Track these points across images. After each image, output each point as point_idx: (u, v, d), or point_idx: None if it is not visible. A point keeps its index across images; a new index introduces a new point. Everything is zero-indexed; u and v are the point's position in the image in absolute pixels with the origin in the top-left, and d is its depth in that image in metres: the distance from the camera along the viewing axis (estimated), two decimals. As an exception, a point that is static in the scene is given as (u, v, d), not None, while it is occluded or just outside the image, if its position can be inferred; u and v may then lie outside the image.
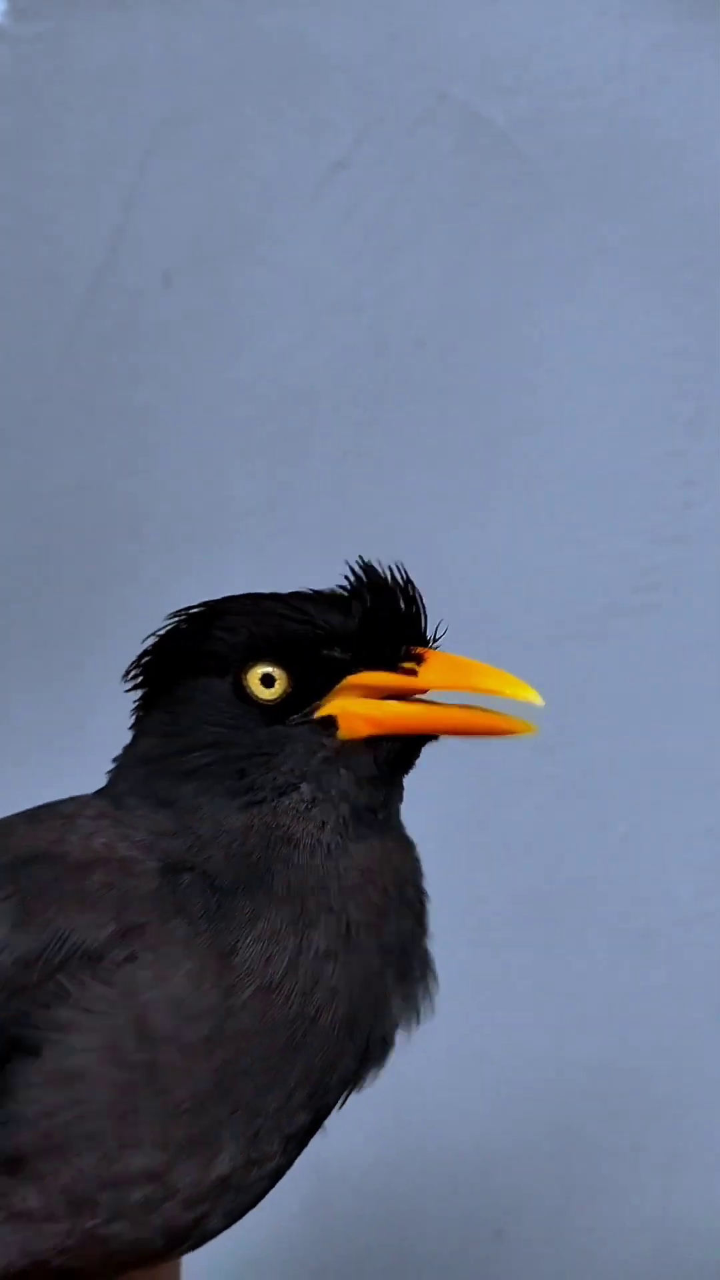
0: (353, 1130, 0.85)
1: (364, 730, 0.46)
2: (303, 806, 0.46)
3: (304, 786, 0.46)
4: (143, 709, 0.49)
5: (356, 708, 0.46)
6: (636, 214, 0.85)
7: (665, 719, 0.85)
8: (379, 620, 0.47)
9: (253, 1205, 0.47)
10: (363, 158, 0.85)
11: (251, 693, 0.47)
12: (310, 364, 0.86)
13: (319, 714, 0.47)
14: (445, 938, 0.88)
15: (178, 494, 0.86)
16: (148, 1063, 0.42)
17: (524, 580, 0.84)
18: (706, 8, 0.84)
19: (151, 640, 0.49)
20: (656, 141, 0.85)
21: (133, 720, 0.50)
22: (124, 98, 0.85)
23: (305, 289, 0.86)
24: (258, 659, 0.47)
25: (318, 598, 0.48)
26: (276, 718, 0.47)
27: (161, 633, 0.49)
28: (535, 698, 0.47)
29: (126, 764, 0.49)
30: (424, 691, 0.47)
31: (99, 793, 0.49)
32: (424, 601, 0.48)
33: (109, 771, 0.50)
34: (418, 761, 0.49)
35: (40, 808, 0.49)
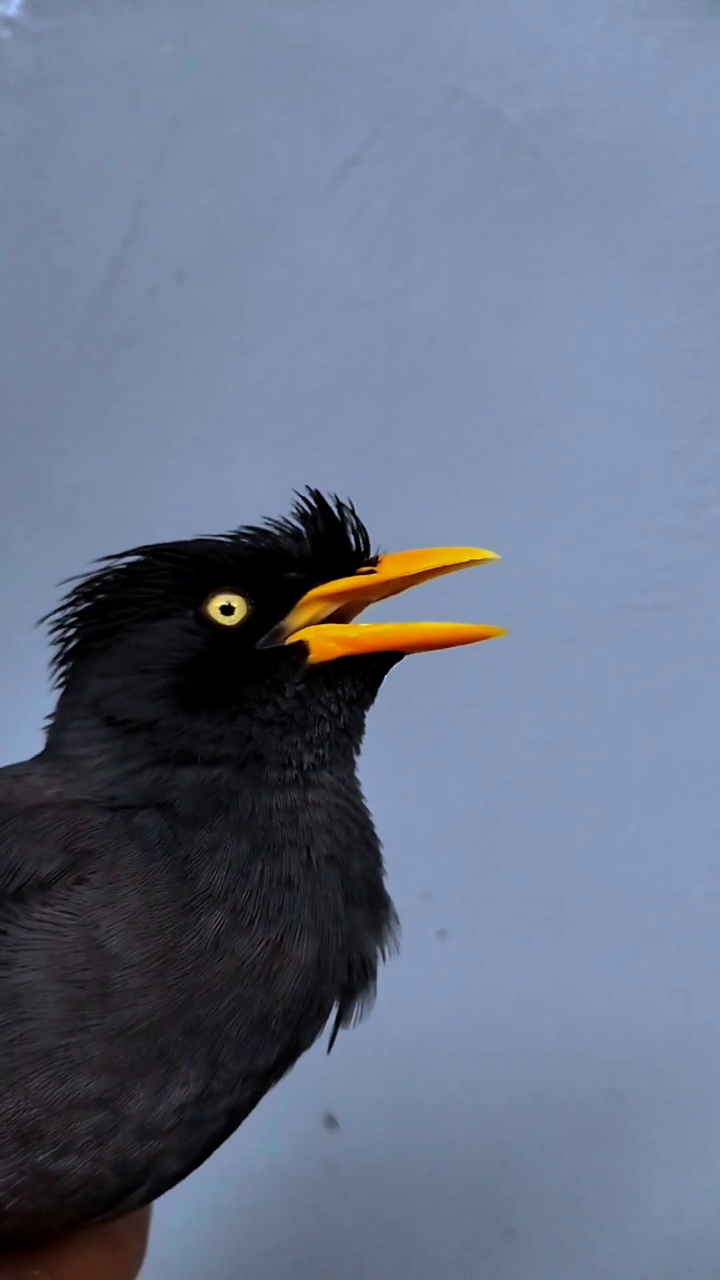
0: (363, 1128, 0.86)
1: (336, 651, 0.47)
2: (282, 720, 0.47)
3: (282, 701, 0.47)
4: (74, 661, 0.50)
5: (328, 631, 0.48)
6: (649, 212, 0.84)
7: (676, 719, 0.85)
8: (330, 541, 0.48)
9: (210, 1148, 0.46)
10: (375, 155, 0.85)
11: (215, 622, 0.48)
12: (322, 361, 0.86)
13: (290, 639, 0.48)
14: (457, 937, 0.88)
15: (189, 491, 0.86)
16: (97, 980, 0.42)
17: (536, 579, 0.84)
18: (719, 5, 0.84)
19: (82, 589, 0.50)
20: (669, 139, 0.84)
21: (62, 676, 0.51)
22: (137, 95, 0.86)
23: (317, 286, 0.86)
24: (216, 588, 0.48)
25: (268, 526, 0.49)
26: (244, 643, 0.48)
27: (98, 581, 0.50)
28: (491, 555, 0.48)
29: (70, 715, 0.49)
30: (386, 589, 0.48)
31: (40, 756, 0.50)
32: (366, 525, 0.49)
33: (46, 729, 0.50)
34: (379, 693, 0.50)
35: None
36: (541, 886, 0.85)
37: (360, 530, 0.49)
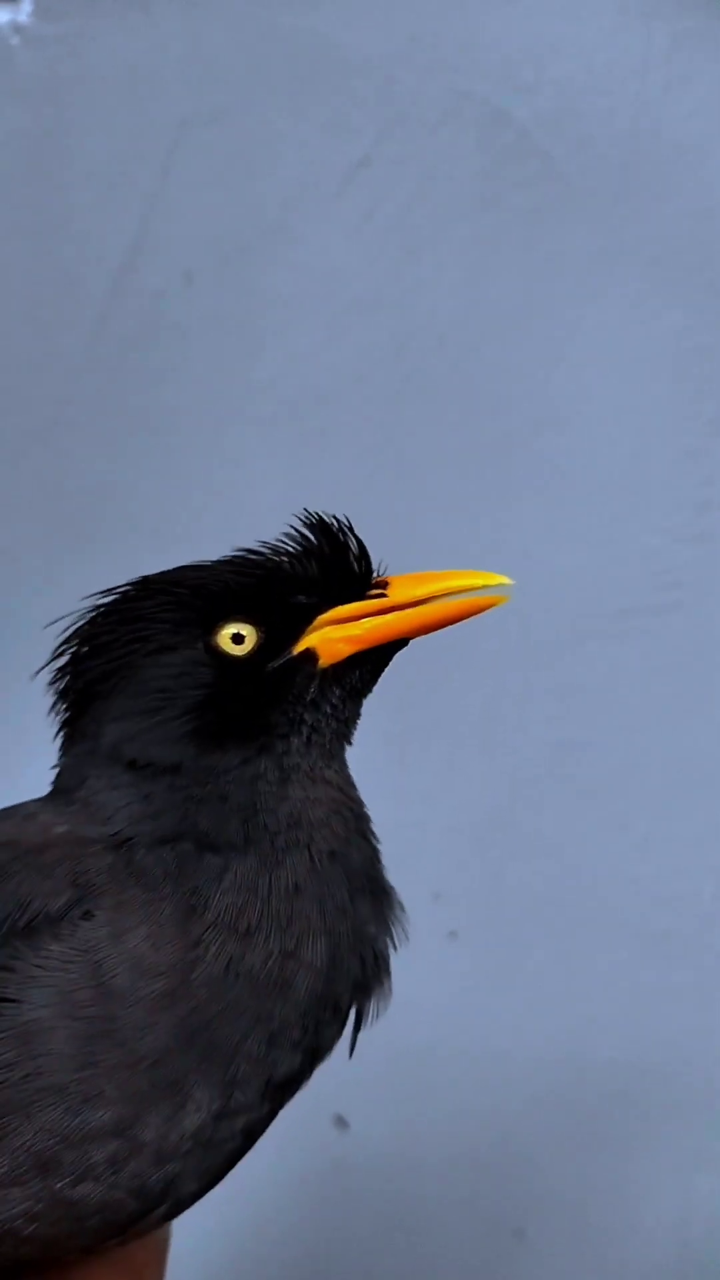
0: (373, 1130, 0.86)
1: (346, 650, 0.47)
2: (306, 736, 0.47)
3: (307, 717, 0.47)
4: (79, 706, 0.49)
5: (333, 633, 0.47)
6: (658, 211, 0.84)
7: (686, 719, 0.85)
8: (335, 563, 0.48)
9: (227, 1167, 0.46)
10: (384, 157, 0.85)
11: (225, 653, 0.47)
12: (331, 363, 0.86)
13: (297, 650, 0.47)
14: (467, 938, 0.88)
15: (198, 493, 0.86)
16: (104, 1017, 0.42)
17: (545, 580, 0.84)
18: (729, 5, 0.84)
19: (82, 630, 0.49)
20: (678, 139, 0.84)
21: (62, 723, 0.50)
22: (146, 98, 0.86)
23: (326, 288, 0.86)
24: (224, 618, 0.47)
25: (267, 549, 0.48)
26: (255, 669, 0.47)
27: (98, 619, 0.49)
28: (504, 579, 0.47)
29: (88, 764, 0.48)
30: (413, 623, 0.48)
31: (50, 797, 0.49)
32: (368, 545, 0.48)
33: (57, 774, 0.50)
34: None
35: (2, 809, 0.49)
36: (551, 888, 0.85)
37: (364, 553, 0.48)
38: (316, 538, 0.48)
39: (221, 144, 0.86)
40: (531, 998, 0.84)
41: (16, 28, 0.86)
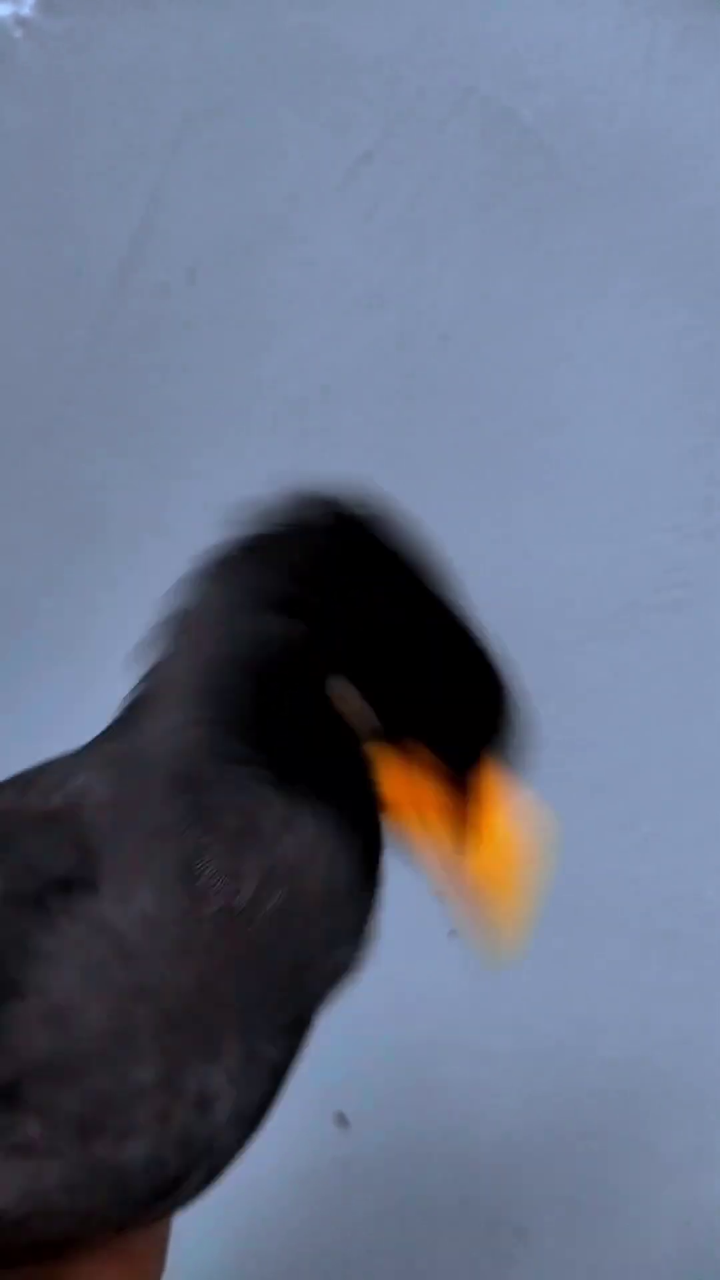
0: (374, 1127, 0.86)
1: (391, 797, 0.45)
2: (323, 824, 0.45)
3: (334, 809, 0.45)
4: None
5: (403, 778, 0.44)
6: (663, 209, 0.84)
7: (690, 717, 0.84)
8: (480, 707, 0.44)
9: (260, 1115, 0.45)
10: (388, 153, 0.85)
11: (331, 703, 0.44)
12: (334, 360, 0.86)
13: (367, 747, 0.45)
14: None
15: (202, 490, 0.86)
16: (130, 981, 0.42)
17: (549, 578, 0.84)
18: (735, 2, 0.84)
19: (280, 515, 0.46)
20: (683, 136, 0.84)
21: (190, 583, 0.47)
22: (150, 93, 0.86)
23: (330, 284, 0.85)
24: (349, 672, 0.44)
25: (445, 649, 0.44)
26: (329, 724, 0.45)
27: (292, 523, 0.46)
28: (516, 947, 0.45)
29: (179, 652, 0.46)
30: (460, 809, 0.45)
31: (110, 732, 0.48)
32: (527, 717, 0.44)
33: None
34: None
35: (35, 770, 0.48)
36: (554, 886, 0.85)
37: (519, 712, 0.44)
38: (486, 670, 0.44)
39: (225, 140, 0.86)
40: (533, 996, 0.84)
41: (19, 21, 0.86)
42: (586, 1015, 0.84)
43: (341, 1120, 0.84)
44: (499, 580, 0.86)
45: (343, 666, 0.44)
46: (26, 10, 0.86)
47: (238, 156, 0.86)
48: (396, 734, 0.45)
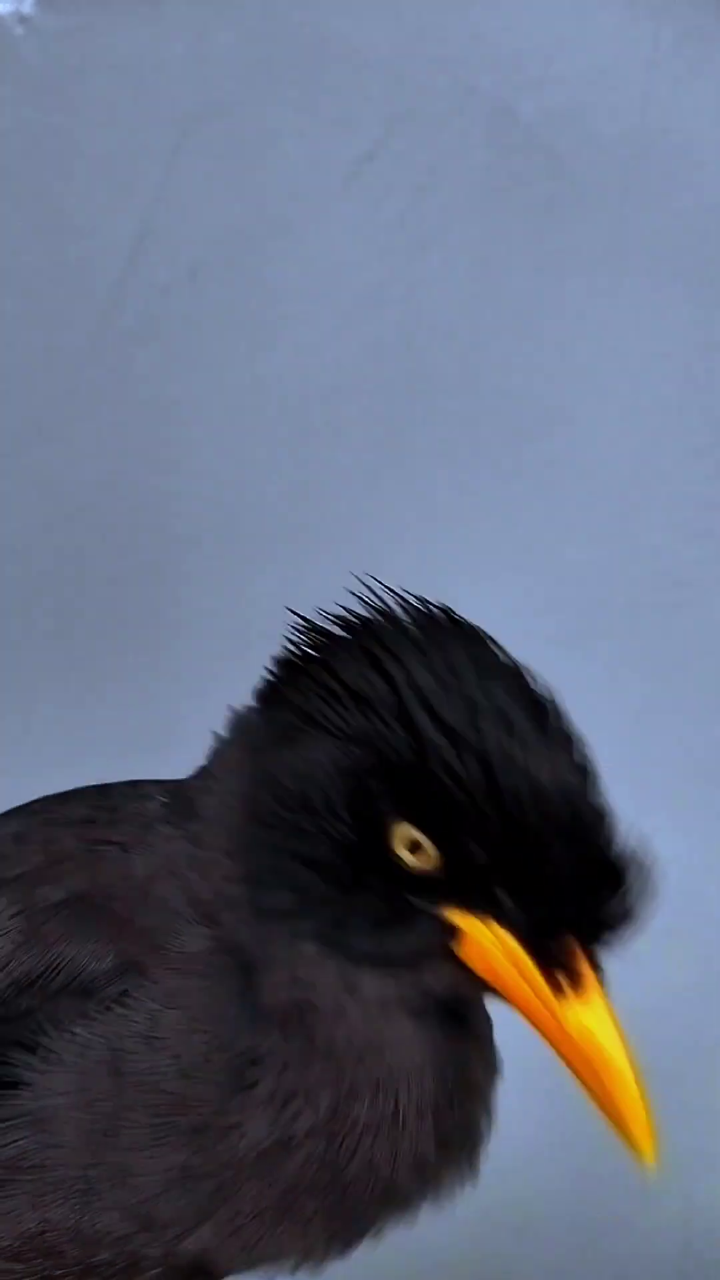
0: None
1: (480, 972, 0.39)
2: (387, 989, 0.39)
3: (399, 972, 0.39)
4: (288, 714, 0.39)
5: (494, 949, 0.38)
6: (665, 207, 0.84)
7: (692, 717, 0.84)
8: (574, 870, 0.37)
9: None
10: (390, 152, 0.85)
11: (391, 849, 0.37)
12: (337, 359, 0.86)
13: (450, 915, 0.38)
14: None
15: (204, 489, 0.86)
16: (111, 1114, 0.39)
17: (550, 577, 0.84)
18: (737, 1, 0.84)
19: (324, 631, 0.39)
20: (685, 135, 0.84)
21: (258, 696, 0.40)
22: (151, 92, 0.85)
23: (332, 283, 0.85)
24: (416, 821, 0.37)
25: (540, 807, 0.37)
26: (400, 882, 0.37)
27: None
28: (650, 1156, 0.38)
29: (249, 751, 0.40)
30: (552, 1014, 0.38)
31: (181, 789, 0.42)
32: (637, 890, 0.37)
33: (232, 723, 0.42)
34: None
35: (116, 796, 0.43)
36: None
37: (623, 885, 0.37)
38: (588, 843, 0.37)
39: (226, 138, 0.86)
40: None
41: (21, 19, 0.86)
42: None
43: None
44: (501, 578, 0.86)
45: (407, 806, 0.37)
46: (28, 8, 0.86)
47: (239, 155, 0.86)
48: (468, 891, 0.38)
